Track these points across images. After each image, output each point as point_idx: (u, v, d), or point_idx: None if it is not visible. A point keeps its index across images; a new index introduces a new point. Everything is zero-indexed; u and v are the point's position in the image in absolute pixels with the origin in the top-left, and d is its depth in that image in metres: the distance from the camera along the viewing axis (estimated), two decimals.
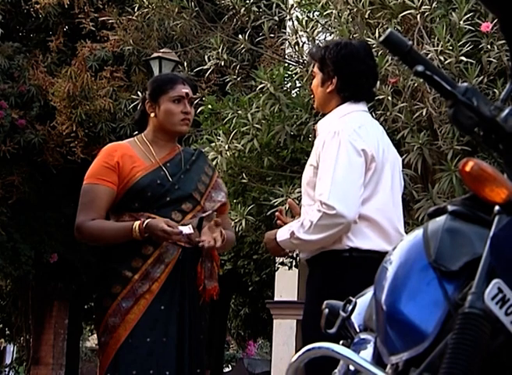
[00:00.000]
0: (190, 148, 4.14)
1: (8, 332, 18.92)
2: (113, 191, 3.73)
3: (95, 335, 3.90)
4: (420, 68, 1.80)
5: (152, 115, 3.85)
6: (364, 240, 3.46)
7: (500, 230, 1.65)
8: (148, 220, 3.64)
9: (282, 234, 3.61)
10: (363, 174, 3.47)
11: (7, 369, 19.20)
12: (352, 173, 3.44)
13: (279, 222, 3.76)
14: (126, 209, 3.73)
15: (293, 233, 3.52)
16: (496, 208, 1.68)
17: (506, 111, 1.77)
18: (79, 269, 14.55)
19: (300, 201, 3.99)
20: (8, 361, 21.87)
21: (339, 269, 3.49)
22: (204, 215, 3.76)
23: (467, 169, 1.68)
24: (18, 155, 12.51)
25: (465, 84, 1.80)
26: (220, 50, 6.87)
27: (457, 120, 1.78)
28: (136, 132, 3.99)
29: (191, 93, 3.87)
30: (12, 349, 21.69)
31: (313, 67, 3.81)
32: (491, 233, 1.65)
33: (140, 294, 3.65)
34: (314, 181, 3.53)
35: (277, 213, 3.80)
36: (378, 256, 3.35)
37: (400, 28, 5.89)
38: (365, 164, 3.48)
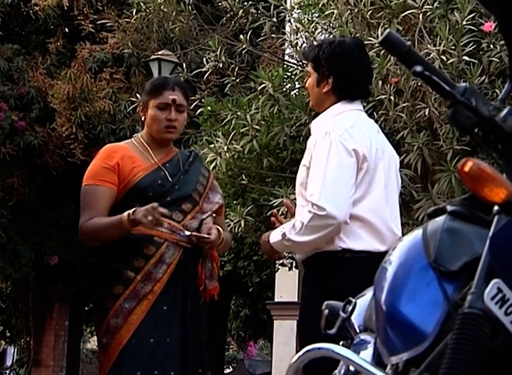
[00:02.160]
0: (185, 150, 4.15)
1: (8, 334, 18.92)
2: (114, 190, 3.73)
3: (96, 337, 3.88)
4: (418, 68, 1.80)
5: (143, 118, 3.87)
6: (357, 241, 3.46)
7: (500, 230, 1.65)
8: (135, 209, 3.61)
9: (274, 236, 3.59)
10: (354, 174, 3.46)
11: (7, 372, 19.19)
12: (342, 174, 3.43)
13: (277, 224, 3.75)
14: (127, 210, 3.72)
15: (284, 235, 3.51)
16: (496, 208, 1.68)
17: (505, 111, 1.77)
18: (79, 270, 14.55)
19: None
20: (8, 363, 21.86)
21: (331, 270, 3.48)
22: (204, 217, 3.78)
23: (466, 169, 1.68)
24: (18, 157, 12.51)
25: (464, 84, 1.80)
26: (218, 52, 6.87)
27: (456, 120, 1.78)
28: (137, 134, 4.00)
29: (180, 99, 3.83)
30: (12, 351, 21.70)
31: (306, 67, 3.79)
32: (490, 234, 1.65)
33: (143, 295, 3.65)
34: (307, 182, 3.52)
35: (272, 218, 3.79)
36: (371, 256, 3.38)
37: (400, 28, 5.89)
38: (357, 164, 3.46)
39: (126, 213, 3.62)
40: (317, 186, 3.41)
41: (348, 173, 3.44)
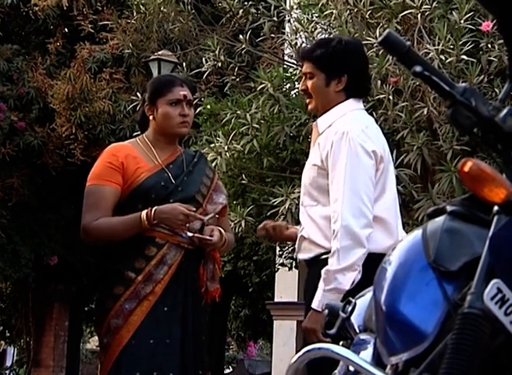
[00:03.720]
0: (190, 150, 4.13)
1: (8, 334, 18.90)
2: (118, 191, 3.72)
3: (96, 337, 3.89)
4: (418, 68, 1.80)
5: (151, 117, 3.84)
6: (370, 242, 3.41)
7: (499, 230, 1.65)
8: (157, 207, 3.63)
9: (316, 297, 3.41)
10: (374, 175, 3.44)
11: (7, 372, 19.18)
12: (363, 178, 3.40)
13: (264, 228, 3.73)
14: (130, 210, 3.71)
15: (327, 272, 3.37)
16: (495, 208, 1.68)
17: (505, 111, 1.77)
18: (79, 270, 14.55)
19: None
20: (8, 363, 21.85)
21: None
22: (206, 218, 3.76)
23: (466, 169, 1.68)
24: (17, 158, 12.51)
25: (463, 84, 1.80)
26: (217, 52, 6.87)
27: (456, 120, 1.78)
28: (137, 133, 3.98)
29: (190, 94, 3.84)
30: (12, 351, 21.69)
31: (302, 66, 3.71)
32: (490, 234, 1.65)
33: (144, 296, 3.64)
34: (318, 182, 3.49)
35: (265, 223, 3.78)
36: (380, 257, 3.36)
37: (399, 28, 5.90)
38: (375, 165, 3.45)
39: (143, 214, 3.63)
40: (340, 194, 3.38)
41: (368, 176, 3.42)
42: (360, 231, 3.35)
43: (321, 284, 3.40)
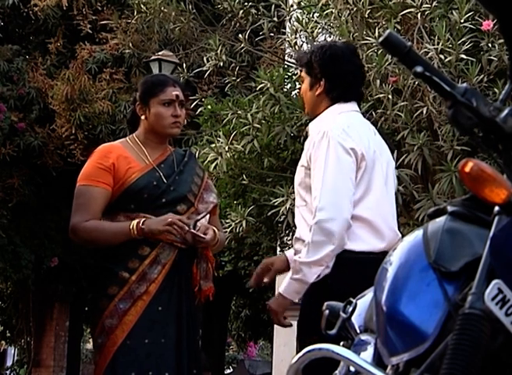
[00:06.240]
0: (180, 149, 4.13)
1: (9, 334, 18.92)
2: (108, 192, 3.73)
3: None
4: (419, 69, 1.80)
5: (143, 117, 3.85)
6: (357, 241, 3.46)
7: (500, 231, 1.65)
8: (144, 220, 3.64)
9: (284, 282, 3.53)
10: (353, 173, 3.48)
11: (8, 372, 19.19)
12: (341, 175, 3.45)
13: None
14: (121, 210, 3.72)
15: (294, 262, 3.46)
16: (496, 208, 1.68)
17: (506, 111, 1.77)
18: (79, 271, 14.54)
19: None
20: (9, 363, 21.85)
21: (332, 270, 3.47)
22: (198, 217, 3.77)
23: (467, 169, 1.68)
24: (18, 158, 12.50)
25: (464, 85, 1.80)
26: (219, 51, 6.87)
27: (457, 121, 1.78)
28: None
29: (182, 95, 3.85)
30: (13, 351, 21.70)
31: (300, 72, 3.82)
32: (491, 234, 1.65)
33: (138, 296, 3.65)
34: (305, 182, 3.55)
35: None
36: (372, 256, 3.40)
37: (399, 27, 5.89)
38: (356, 163, 3.48)
39: (134, 224, 3.63)
40: (318, 191, 3.44)
41: (347, 173, 3.46)
42: (334, 228, 3.38)
43: (290, 272, 3.50)
